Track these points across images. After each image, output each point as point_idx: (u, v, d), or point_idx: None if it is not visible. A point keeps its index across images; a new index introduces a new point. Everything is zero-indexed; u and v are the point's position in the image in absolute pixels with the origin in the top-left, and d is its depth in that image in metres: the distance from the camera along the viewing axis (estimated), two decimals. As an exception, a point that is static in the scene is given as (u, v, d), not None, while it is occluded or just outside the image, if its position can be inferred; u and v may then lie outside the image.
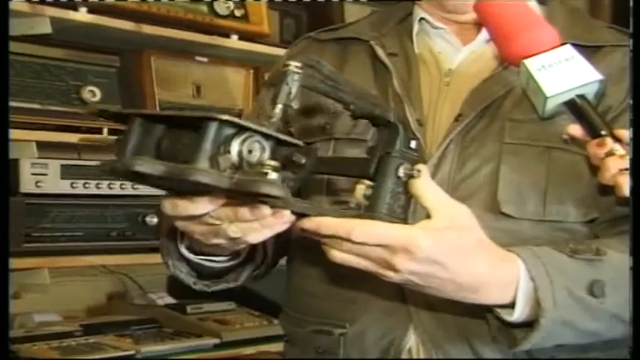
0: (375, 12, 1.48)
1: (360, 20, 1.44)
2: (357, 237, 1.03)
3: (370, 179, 1.08)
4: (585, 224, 1.23)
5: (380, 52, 1.32)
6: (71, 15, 2.27)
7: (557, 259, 1.13)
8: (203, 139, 0.93)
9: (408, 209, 1.09)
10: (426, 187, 1.08)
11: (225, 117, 0.93)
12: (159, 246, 1.27)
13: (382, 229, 1.04)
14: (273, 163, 0.93)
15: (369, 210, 1.07)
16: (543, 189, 1.21)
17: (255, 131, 0.95)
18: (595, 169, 1.13)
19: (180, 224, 1.07)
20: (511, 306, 1.11)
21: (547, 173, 1.22)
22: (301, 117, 1.32)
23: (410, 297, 1.21)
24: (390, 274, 1.07)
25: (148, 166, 0.93)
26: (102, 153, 1.03)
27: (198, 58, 2.62)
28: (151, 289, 2.75)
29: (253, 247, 1.24)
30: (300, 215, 1.04)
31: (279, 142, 0.98)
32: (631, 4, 1.24)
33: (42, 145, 2.25)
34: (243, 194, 0.95)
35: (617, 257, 1.15)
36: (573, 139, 1.17)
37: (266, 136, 0.96)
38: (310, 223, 1.04)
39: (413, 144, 1.10)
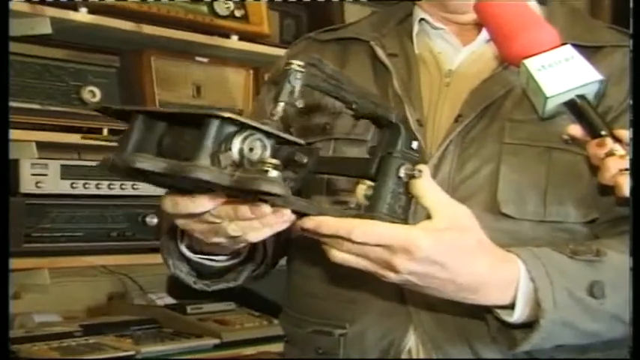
0: (375, 12, 1.48)
1: (360, 20, 1.44)
2: (357, 237, 1.03)
3: (371, 179, 1.08)
4: (585, 225, 1.23)
5: (380, 52, 1.32)
6: (71, 15, 2.27)
7: (557, 260, 1.13)
8: (204, 136, 0.93)
9: (408, 210, 1.09)
10: (426, 187, 1.08)
11: (226, 114, 0.93)
12: (159, 246, 1.27)
13: (382, 229, 1.04)
14: (274, 161, 0.93)
15: (369, 210, 1.07)
16: (543, 189, 1.21)
17: (257, 129, 0.95)
18: (595, 169, 1.13)
19: (180, 222, 1.07)
20: (511, 307, 1.11)
21: (547, 174, 1.21)
22: (301, 117, 1.32)
23: (410, 298, 1.21)
24: (390, 275, 1.06)
25: (148, 162, 0.93)
26: (102, 153, 1.03)
27: (198, 58, 2.62)
28: (151, 290, 2.75)
29: (253, 247, 1.23)
30: (300, 215, 1.04)
31: (280, 141, 0.98)
32: (631, 4, 1.24)
33: (42, 146, 2.25)
34: (243, 192, 0.95)
35: (617, 258, 1.15)
36: (573, 140, 1.17)
37: (267, 135, 0.96)
38: (311, 223, 1.04)
39: (414, 144, 1.10)
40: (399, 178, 1.08)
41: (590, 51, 1.22)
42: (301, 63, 1.00)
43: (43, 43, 2.33)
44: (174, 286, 2.72)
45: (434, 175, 1.18)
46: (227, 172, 0.93)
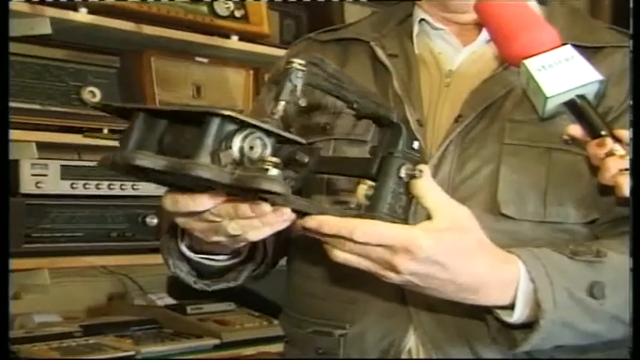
0: (375, 13, 1.48)
1: (360, 21, 1.44)
2: (359, 237, 1.03)
3: (372, 179, 1.08)
4: (585, 225, 1.23)
5: (380, 52, 1.32)
6: (71, 15, 2.27)
7: (557, 260, 1.13)
8: (205, 134, 0.93)
9: (409, 210, 1.09)
10: (427, 187, 1.08)
11: (227, 112, 0.93)
12: (159, 246, 1.27)
13: (384, 229, 1.04)
14: (274, 159, 0.93)
15: (369, 210, 1.07)
16: (543, 190, 1.21)
17: (257, 127, 0.95)
18: (595, 169, 1.13)
19: (180, 221, 1.07)
20: (511, 307, 1.11)
21: (547, 174, 1.21)
22: (302, 116, 1.32)
23: (410, 298, 1.21)
24: (391, 275, 1.06)
25: (149, 160, 0.93)
26: (102, 153, 1.03)
27: (198, 58, 2.62)
28: (151, 290, 2.75)
29: (253, 246, 1.23)
30: (300, 214, 1.04)
31: (281, 140, 0.98)
32: (631, 4, 1.24)
33: (42, 146, 2.25)
34: (243, 190, 0.95)
35: (617, 259, 1.15)
36: (573, 140, 1.17)
37: (268, 133, 0.96)
38: (312, 222, 1.04)
39: (415, 144, 1.10)
40: (400, 178, 1.07)
41: (590, 51, 1.22)
42: (302, 62, 1.00)
43: (43, 44, 2.33)
44: (175, 286, 2.73)
45: (434, 176, 1.18)
46: (227, 171, 0.93)
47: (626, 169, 1.07)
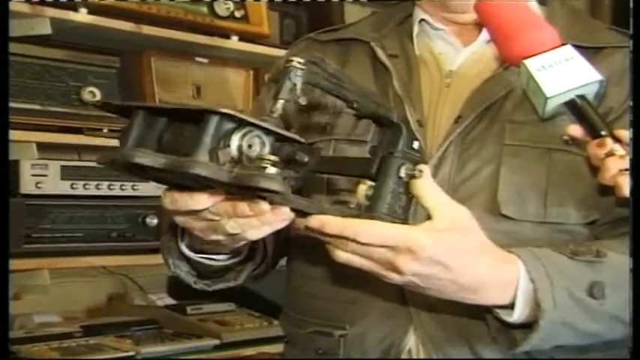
0: (375, 13, 1.48)
1: (360, 21, 1.44)
2: (362, 238, 1.03)
3: (372, 179, 1.08)
4: (586, 226, 1.23)
5: (380, 53, 1.32)
6: (71, 16, 2.27)
7: (557, 260, 1.13)
8: (203, 132, 0.93)
9: (408, 210, 1.09)
10: (427, 187, 1.08)
11: (225, 110, 0.93)
12: (159, 246, 1.27)
13: (387, 230, 1.04)
14: (272, 157, 0.93)
15: (369, 210, 1.07)
16: (544, 191, 1.21)
17: (256, 126, 0.95)
18: (595, 170, 1.13)
19: (179, 219, 1.07)
20: (510, 307, 1.12)
21: (547, 175, 1.21)
22: (302, 115, 1.32)
23: (410, 298, 1.21)
24: (393, 276, 1.07)
25: (147, 158, 0.94)
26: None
27: (198, 58, 2.62)
28: (151, 290, 2.75)
29: (253, 246, 1.23)
30: (299, 213, 1.03)
31: (280, 139, 0.98)
32: (631, 4, 1.24)
33: (42, 146, 2.25)
34: (241, 188, 0.95)
35: (617, 259, 1.15)
36: (573, 140, 1.17)
37: (266, 132, 0.96)
38: (315, 221, 1.04)
39: (415, 144, 1.10)
40: (400, 178, 1.07)
41: (590, 52, 1.22)
42: (302, 60, 1.00)
43: (43, 44, 2.33)
44: (175, 286, 2.73)
45: (434, 176, 1.18)
46: (225, 169, 0.93)
47: (626, 170, 1.07)
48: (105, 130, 2.33)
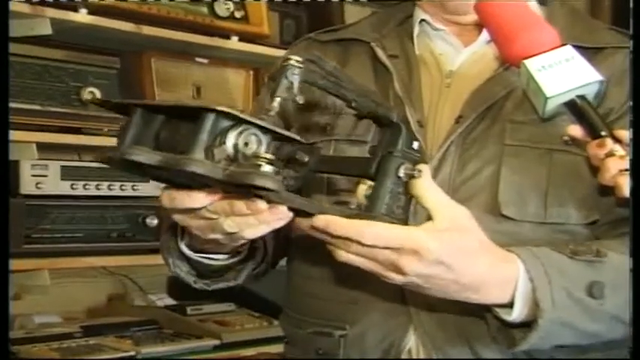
0: (375, 13, 1.48)
1: (360, 21, 1.44)
2: (367, 239, 1.03)
3: (371, 179, 1.08)
4: (586, 226, 1.23)
5: (380, 53, 1.32)
6: (71, 16, 2.27)
7: (556, 259, 1.13)
8: (200, 129, 0.93)
9: (407, 210, 1.09)
10: (427, 187, 1.08)
11: (222, 108, 0.93)
12: (159, 246, 1.27)
13: (391, 232, 1.04)
14: (268, 156, 0.93)
15: (367, 210, 1.07)
16: (544, 191, 1.21)
17: (252, 124, 0.95)
18: (595, 170, 1.13)
19: (177, 217, 1.07)
20: (510, 306, 1.12)
21: (548, 175, 1.21)
22: (301, 115, 1.32)
23: (410, 298, 1.21)
24: (395, 276, 1.07)
25: (143, 155, 0.94)
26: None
27: (198, 59, 2.62)
28: (151, 291, 2.75)
29: (253, 245, 1.23)
30: (299, 213, 1.03)
31: (278, 137, 0.98)
32: (631, 5, 1.24)
33: (42, 147, 2.25)
34: (236, 186, 0.95)
35: (617, 259, 1.15)
36: (573, 140, 1.17)
37: (263, 130, 0.96)
38: (320, 221, 1.04)
39: (415, 145, 1.10)
40: (399, 177, 1.07)
41: (590, 52, 1.22)
42: (299, 59, 1.00)
43: (43, 44, 2.33)
44: (175, 287, 2.73)
45: (434, 176, 1.18)
46: (220, 166, 0.93)
47: (626, 170, 1.07)
48: (105, 130, 2.32)
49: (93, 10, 2.30)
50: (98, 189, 2.35)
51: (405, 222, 1.08)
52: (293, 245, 1.35)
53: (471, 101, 1.25)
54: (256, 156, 0.93)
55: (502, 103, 1.25)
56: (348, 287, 1.25)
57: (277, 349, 2.28)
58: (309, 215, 1.05)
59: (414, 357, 1.22)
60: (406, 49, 1.33)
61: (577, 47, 1.15)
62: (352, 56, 1.36)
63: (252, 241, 1.21)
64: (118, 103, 1.03)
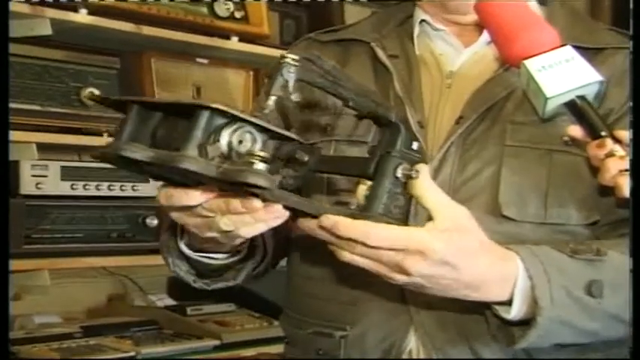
0: (375, 13, 1.48)
1: (360, 21, 1.44)
2: (372, 241, 1.03)
3: (370, 179, 1.08)
4: (587, 227, 1.23)
5: (380, 53, 1.32)
6: (71, 16, 2.27)
7: (556, 258, 1.14)
8: (194, 127, 0.93)
9: (406, 210, 1.09)
10: (426, 188, 1.08)
11: (216, 105, 0.93)
12: (159, 245, 1.27)
13: (397, 233, 1.04)
14: (262, 154, 0.93)
15: (365, 210, 1.07)
16: (544, 192, 1.21)
17: (247, 121, 0.95)
18: (596, 170, 1.13)
19: (174, 215, 1.08)
20: (509, 303, 1.12)
21: (548, 176, 1.21)
22: (302, 115, 1.32)
23: (410, 299, 1.21)
24: (399, 277, 1.07)
25: (137, 152, 0.94)
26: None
27: (198, 59, 2.62)
28: (151, 291, 2.75)
29: (253, 245, 1.24)
30: (296, 213, 1.03)
31: (275, 137, 0.98)
32: (631, 5, 1.24)
33: (42, 147, 2.25)
34: (229, 184, 0.95)
35: (617, 258, 1.15)
36: (574, 141, 1.17)
37: (259, 128, 0.96)
38: (328, 221, 1.04)
39: (415, 145, 1.09)
40: (396, 178, 1.07)
41: (591, 53, 1.22)
42: (295, 57, 1.00)
43: (43, 45, 2.33)
44: (175, 287, 2.73)
45: (435, 177, 1.19)
46: (214, 164, 0.93)
47: (626, 170, 1.07)
48: (105, 133, 2.32)
49: (93, 11, 2.30)
50: (98, 189, 2.35)
51: (404, 223, 1.08)
52: (293, 245, 1.35)
53: (472, 102, 1.25)
54: (250, 154, 0.93)
55: (502, 103, 1.25)
56: (348, 288, 1.25)
57: (277, 349, 2.28)
58: (307, 215, 1.05)
59: (415, 357, 1.22)
60: (406, 49, 1.33)
61: (577, 48, 1.15)
62: (352, 56, 1.36)
63: (252, 241, 1.21)
64: (116, 99, 1.03)
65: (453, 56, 1.32)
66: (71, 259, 2.33)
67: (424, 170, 1.08)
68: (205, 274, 1.26)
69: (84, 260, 2.36)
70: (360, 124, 1.25)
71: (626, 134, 1.10)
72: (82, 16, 2.28)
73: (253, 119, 0.95)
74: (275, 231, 1.22)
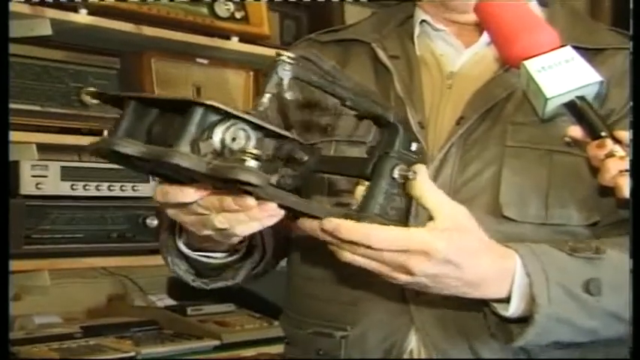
0: (375, 13, 1.48)
1: (360, 22, 1.44)
2: (376, 244, 1.03)
3: (368, 179, 1.08)
4: (587, 227, 1.23)
5: (381, 54, 1.32)
6: (71, 17, 2.27)
7: (555, 256, 1.14)
8: (187, 123, 0.93)
9: (403, 212, 1.09)
10: (425, 188, 1.08)
11: (210, 102, 0.93)
12: (159, 245, 1.27)
13: (400, 234, 1.05)
14: (254, 151, 0.93)
15: (361, 210, 1.06)
16: (545, 192, 1.21)
17: (240, 119, 0.95)
18: (596, 171, 1.13)
19: (171, 212, 1.08)
20: (507, 301, 1.12)
21: (549, 176, 1.22)
22: (302, 115, 1.32)
23: (411, 299, 1.21)
24: (402, 277, 1.07)
25: (128, 147, 0.94)
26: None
27: (198, 59, 2.62)
28: (151, 291, 2.75)
29: (251, 244, 1.24)
30: (293, 213, 1.03)
31: (269, 135, 0.98)
32: (631, 5, 1.24)
33: (42, 147, 2.25)
34: (221, 181, 0.95)
35: (616, 256, 1.15)
36: (574, 141, 1.17)
37: (253, 126, 0.96)
38: (330, 224, 1.04)
39: (414, 146, 1.09)
40: (393, 178, 1.07)
41: (591, 53, 1.22)
42: (292, 55, 1.00)
43: (43, 45, 2.33)
44: (175, 287, 2.73)
45: (435, 178, 1.19)
46: (205, 160, 0.93)
47: (626, 171, 1.07)
48: (105, 133, 2.32)
49: (93, 11, 2.30)
50: (98, 189, 2.35)
51: (400, 224, 1.08)
52: (293, 246, 1.35)
53: (473, 102, 1.25)
54: (242, 151, 0.93)
55: (503, 104, 1.25)
56: (349, 288, 1.25)
57: (277, 349, 2.28)
58: (304, 215, 1.05)
59: (416, 357, 1.22)
60: (407, 49, 1.33)
61: (577, 48, 1.15)
62: (353, 57, 1.36)
63: (250, 240, 1.21)
64: (113, 95, 1.04)
65: (454, 57, 1.32)
66: (71, 260, 2.33)
67: (422, 171, 1.08)
68: (204, 273, 1.26)
69: (84, 260, 2.36)
70: (361, 125, 1.25)
71: (626, 135, 1.10)
72: (82, 17, 2.29)
73: (246, 116, 0.95)
74: (275, 231, 1.22)
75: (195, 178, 0.98)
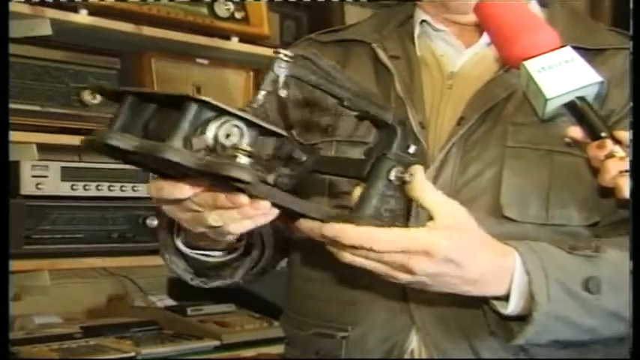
0: (375, 14, 1.48)
1: (361, 22, 1.44)
2: (379, 247, 1.04)
3: (365, 181, 1.08)
4: (588, 228, 1.23)
5: (382, 54, 1.32)
6: (71, 17, 2.27)
7: (554, 254, 1.14)
8: (181, 119, 0.93)
9: (398, 213, 1.09)
10: (424, 189, 1.08)
11: (205, 98, 0.93)
12: (158, 245, 1.27)
13: (401, 236, 1.05)
14: (247, 148, 0.93)
15: (355, 211, 1.06)
16: (545, 193, 1.21)
17: (234, 115, 0.95)
18: (596, 171, 1.13)
19: (166, 208, 1.08)
20: (506, 298, 1.12)
21: (549, 177, 1.22)
22: (303, 115, 1.32)
23: (412, 299, 1.21)
24: (403, 276, 1.07)
25: (121, 141, 0.94)
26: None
27: (198, 60, 2.62)
28: (151, 291, 2.75)
29: (250, 242, 1.24)
30: (290, 214, 1.03)
31: (264, 133, 0.98)
32: (631, 6, 1.24)
33: (42, 147, 2.25)
34: (213, 177, 0.95)
35: (616, 255, 1.15)
36: (574, 142, 1.17)
37: (248, 123, 0.96)
38: (330, 230, 1.04)
39: (412, 148, 1.09)
40: (390, 180, 1.07)
41: (591, 54, 1.22)
42: (289, 53, 1.00)
43: (43, 45, 2.33)
44: (175, 287, 2.73)
45: (436, 178, 1.19)
46: (197, 156, 0.93)
47: (626, 171, 1.07)
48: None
49: (93, 11, 2.30)
50: (98, 190, 2.35)
51: (398, 226, 1.08)
52: (293, 246, 1.35)
53: (473, 102, 1.25)
54: (235, 148, 0.93)
55: (503, 105, 1.25)
56: (349, 288, 1.25)
57: (277, 350, 2.28)
58: (301, 215, 1.04)
59: (417, 358, 1.22)
60: (407, 50, 1.33)
61: (577, 49, 1.15)
62: (353, 57, 1.36)
63: (249, 238, 1.21)
64: (114, 91, 1.04)
65: (454, 57, 1.32)
66: (71, 260, 2.33)
67: (420, 172, 1.08)
68: (202, 271, 1.26)
69: (84, 261, 2.36)
70: (362, 125, 1.25)
71: (626, 135, 1.10)
72: (82, 17, 2.29)
73: (240, 113, 0.95)
74: (275, 230, 1.22)
75: (187, 173, 0.98)
